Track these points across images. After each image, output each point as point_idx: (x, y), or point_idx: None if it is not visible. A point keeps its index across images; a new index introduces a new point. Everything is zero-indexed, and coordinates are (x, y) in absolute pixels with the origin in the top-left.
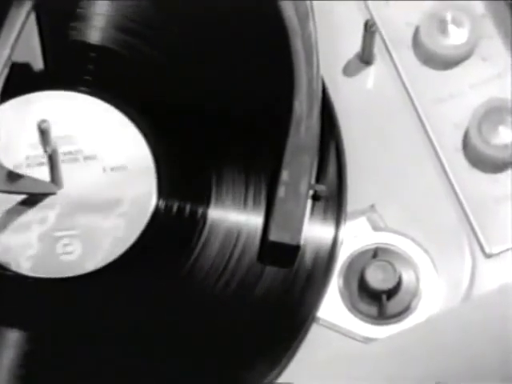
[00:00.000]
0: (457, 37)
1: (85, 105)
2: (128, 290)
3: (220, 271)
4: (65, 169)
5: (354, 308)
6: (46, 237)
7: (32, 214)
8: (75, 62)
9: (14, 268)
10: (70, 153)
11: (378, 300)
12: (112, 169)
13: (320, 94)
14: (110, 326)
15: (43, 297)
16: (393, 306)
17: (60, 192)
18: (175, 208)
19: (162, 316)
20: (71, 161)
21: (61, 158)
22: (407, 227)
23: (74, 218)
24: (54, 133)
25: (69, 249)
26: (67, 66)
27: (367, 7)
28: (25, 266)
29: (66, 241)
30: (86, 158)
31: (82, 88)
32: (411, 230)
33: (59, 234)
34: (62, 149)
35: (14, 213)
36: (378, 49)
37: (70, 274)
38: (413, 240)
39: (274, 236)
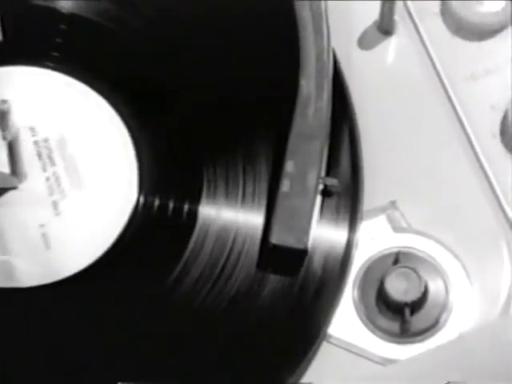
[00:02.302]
0: (493, 2)
1: (52, 83)
2: (105, 301)
3: (213, 280)
4: (28, 160)
5: (371, 324)
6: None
7: None
8: (41, 32)
9: None
10: (35, 142)
11: (400, 314)
12: (85, 158)
13: (331, 71)
14: (84, 344)
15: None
16: (417, 321)
17: (23, 186)
18: (159, 205)
19: (144, 333)
20: (36, 150)
21: (24, 147)
22: (434, 227)
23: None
24: (16, 116)
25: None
26: (31, 36)
27: None
28: None
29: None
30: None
31: (49, 63)
32: (439, 230)
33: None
34: (25, 136)
35: None
36: (399, 16)
37: (37, 283)
38: (441, 243)
39: (276, 238)
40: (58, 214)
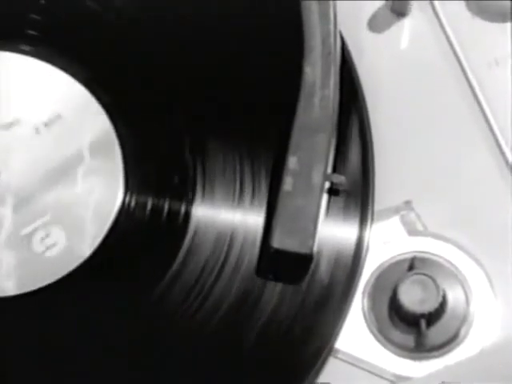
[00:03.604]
0: None
1: (27, 69)
2: (84, 314)
3: (207, 290)
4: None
5: (383, 337)
6: (14, 240)
7: None
8: (14, 11)
9: None
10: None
11: (416, 327)
12: (63, 153)
13: (338, 56)
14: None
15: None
16: (434, 334)
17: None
18: (148, 206)
19: (130, 347)
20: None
21: None
22: (453, 230)
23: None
24: None
25: (49, 241)
26: (2, 16)
27: None
28: (7, 286)
29: (41, 233)
30: (29, 140)
31: (24, 47)
32: (459, 233)
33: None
34: None
35: None
36: None
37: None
38: (461, 247)
39: (278, 242)
40: None
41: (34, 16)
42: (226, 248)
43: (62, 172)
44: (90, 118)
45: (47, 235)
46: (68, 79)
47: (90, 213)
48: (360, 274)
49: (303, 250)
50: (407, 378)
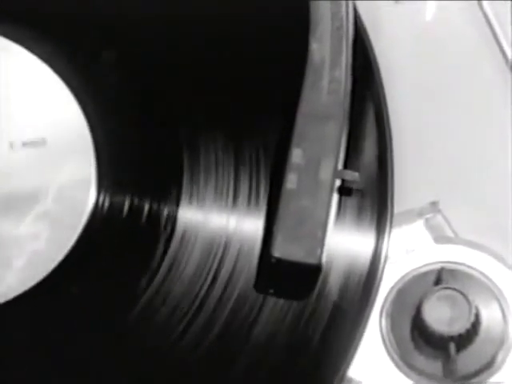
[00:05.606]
0: None
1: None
2: (52, 333)
3: (195, 307)
4: None
5: (405, 364)
6: None
7: None
8: None
9: None
10: None
11: (444, 351)
12: (24, 144)
13: (351, 32)
14: None
15: None
16: (466, 360)
17: None
18: (126, 207)
19: (103, 374)
20: None
21: None
22: (488, 237)
23: None
24: None
25: None
26: None
27: None
28: None
29: None
30: None
31: None
32: (494, 240)
33: None
34: None
35: None
36: None
37: None
38: (496, 257)
39: (280, 251)
40: None
41: None
42: (218, 258)
43: (11, 208)
44: (57, 108)
45: None
46: (33, 60)
47: (61, 215)
48: (377, 289)
49: (310, 260)
50: None
